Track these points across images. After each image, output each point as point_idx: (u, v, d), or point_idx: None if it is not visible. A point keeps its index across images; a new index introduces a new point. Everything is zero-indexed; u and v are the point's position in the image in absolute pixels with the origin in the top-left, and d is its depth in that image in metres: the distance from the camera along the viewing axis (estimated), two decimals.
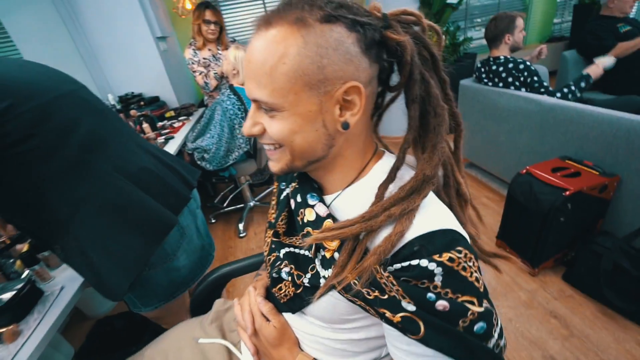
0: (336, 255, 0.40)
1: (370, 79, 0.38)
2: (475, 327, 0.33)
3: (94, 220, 0.65)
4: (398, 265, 0.35)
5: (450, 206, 0.42)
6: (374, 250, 0.35)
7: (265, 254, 0.54)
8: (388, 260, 0.35)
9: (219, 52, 2.04)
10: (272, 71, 0.34)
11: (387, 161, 0.44)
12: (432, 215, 0.37)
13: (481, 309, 0.34)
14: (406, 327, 0.34)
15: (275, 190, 0.58)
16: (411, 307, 0.34)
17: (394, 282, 0.35)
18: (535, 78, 1.65)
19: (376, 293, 0.36)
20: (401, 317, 0.34)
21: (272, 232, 0.52)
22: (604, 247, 1.20)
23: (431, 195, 0.40)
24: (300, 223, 0.45)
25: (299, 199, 0.46)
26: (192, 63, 2.07)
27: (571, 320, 1.18)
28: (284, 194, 0.51)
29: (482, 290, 0.34)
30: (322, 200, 0.44)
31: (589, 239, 1.25)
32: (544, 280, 1.36)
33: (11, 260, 0.87)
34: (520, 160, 1.74)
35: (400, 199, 0.36)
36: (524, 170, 1.40)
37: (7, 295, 0.72)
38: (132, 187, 0.70)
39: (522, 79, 1.68)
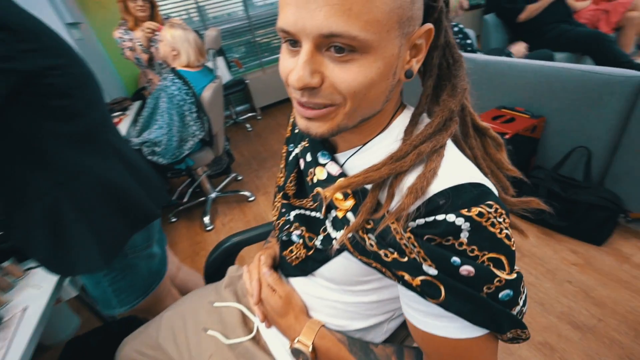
0: (349, 215, 0.37)
1: None
2: (501, 294, 0.31)
3: (88, 191, 0.66)
4: (421, 221, 0.31)
5: (476, 158, 0.39)
6: (410, 189, 0.31)
7: (275, 218, 0.53)
8: (410, 216, 0.31)
9: (156, 34, 1.85)
10: None
11: (409, 113, 0.40)
12: (458, 167, 0.34)
13: (511, 277, 0.31)
14: (425, 291, 0.32)
15: (283, 153, 0.56)
16: (432, 271, 0.31)
17: (415, 243, 0.31)
18: (469, 41, 1.81)
19: (395, 255, 0.33)
20: (421, 280, 0.31)
21: (281, 195, 0.51)
22: (538, 178, 1.40)
23: (453, 148, 0.37)
24: (310, 184, 0.43)
25: (308, 157, 0.44)
26: (123, 41, 1.84)
27: (520, 244, 1.38)
28: (293, 154, 0.50)
29: (512, 248, 0.31)
30: (334, 159, 0.41)
31: (527, 173, 1.45)
32: None
33: None
34: None
35: (429, 135, 0.33)
36: None
37: None
38: (126, 172, 0.73)
39: (458, 41, 1.83)
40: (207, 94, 1.60)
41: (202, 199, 2.09)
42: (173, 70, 1.54)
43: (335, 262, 0.42)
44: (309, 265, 0.46)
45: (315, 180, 0.42)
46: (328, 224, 0.41)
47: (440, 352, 0.36)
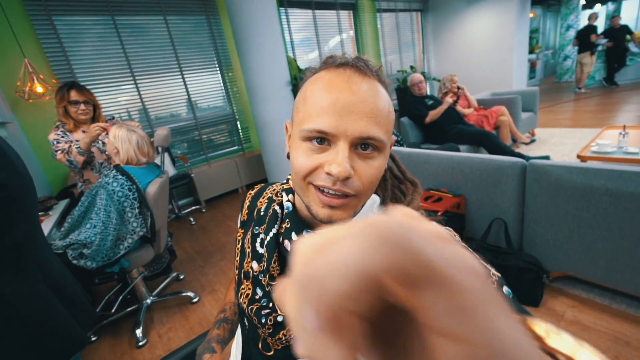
0: None
1: None
2: None
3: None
4: None
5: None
6: None
7: (244, 305, 0.50)
8: None
9: (105, 137, 1.83)
10: (389, 114, 0.39)
11: (375, 198, 0.49)
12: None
13: None
14: None
15: (239, 238, 0.56)
16: None
17: None
18: (399, 138, 2.19)
19: None
20: None
21: (249, 281, 0.50)
22: (472, 248, 1.57)
23: None
24: None
25: (294, 237, 0.46)
26: (58, 143, 1.74)
27: None
28: (269, 237, 0.49)
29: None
30: None
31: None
32: None
33: None
34: None
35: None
36: None
37: None
38: (50, 294, 0.62)
39: None
40: (152, 188, 1.56)
41: (134, 307, 1.79)
42: (117, 167, 1.50)
43: None
44: (286, 352, 0.44)
45: None
46: None
47: None
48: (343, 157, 0.36)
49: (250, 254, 0.51)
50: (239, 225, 0.59)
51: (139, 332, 1.62)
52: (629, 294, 1.35)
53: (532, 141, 3.51)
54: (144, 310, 1.74)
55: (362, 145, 0.38)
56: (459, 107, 3.30)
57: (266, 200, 0.56)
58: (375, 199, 0.49)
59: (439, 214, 1.57)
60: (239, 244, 0.57)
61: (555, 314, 1.37)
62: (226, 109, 4.02)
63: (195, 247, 2.61)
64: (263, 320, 0.46)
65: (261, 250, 0.49)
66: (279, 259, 0.47)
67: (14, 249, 0.56)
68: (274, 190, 0.58)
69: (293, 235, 0.46)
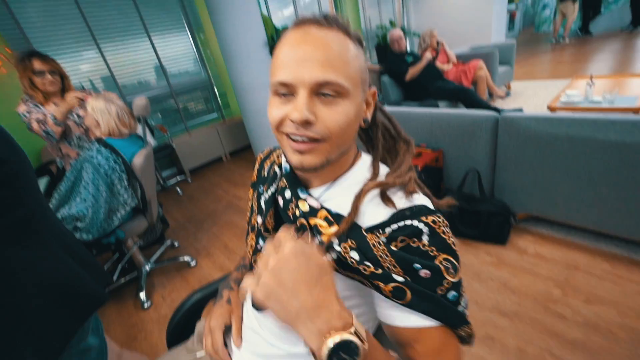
0: (334, 240, 0.43)
1: None
2: (449, 295, 0.41)
3: (28, 289, 0.57)
4: (395, 226, 0.42)
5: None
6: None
7: (250, 254, 0.57)
8: (386, 228, 0.43)
9: (78, 109, 1.75)
10: (350, 61, 0.41)
11: (367, 159, 0.53)
12: (417, 197, 0.47)
13: (455, 279, 0.41)
14: (395, 295, 0.40)
15: (250, 196, 0.62)
16: (400, 279, 0.40)
17: (387, 254, 0.41)
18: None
19: (371, 268, 0.41)
20: (392, 287, 0.40)
21: (255, 232, 0.56)
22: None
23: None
24: (292, 217, 0.49)
25: (287, 195, 0.50)
26: (30, 114, 1.66)
27: None
28: (268, 194, 0.54)
29: (457, 253, 0.42)
30: (310, 195, 0.49)
31: (440, 196, 1.75)
32: None
33: None
34: None
35: (402, 173, 0.48)
36: None
37: None
38: (68, 257, 0.66)
39: None
40: (138, 160, 1.56)
41: (134, 274, 1.87)
42: (99, 140, 1.48)
43: None
44: None
45: (298, 213, 0.47)
46: None
47: (412, 342, 0.42)
48: (301, 103, 0.40)
49: (256, 210, 0.58)
50: (251, 185, 0.65)
51: (142, 295, 1.72)
52: (581, 227, 1.54)
53: (508, 95, 3.61)
54: (144, 276, 1.82)
55: (323, 92, 0.40)
56: (438, 63, 3.30)
57: (271, 162, 0.62)
58: (366, 159, 0.52)
59: (419, 168, 1.67)
60: (250, 202, 0.63)
61: (519, 250, 1.56)
62: (201, 74, 3.84)
63: (185, 215, 2.66)
64: None
65: (263, 206, 0.55)
66: (275, 214, 0.53)
67: (27, 219, 0.59)
68: (278, 152, 0.63)
69: (287, 193, 0.50)
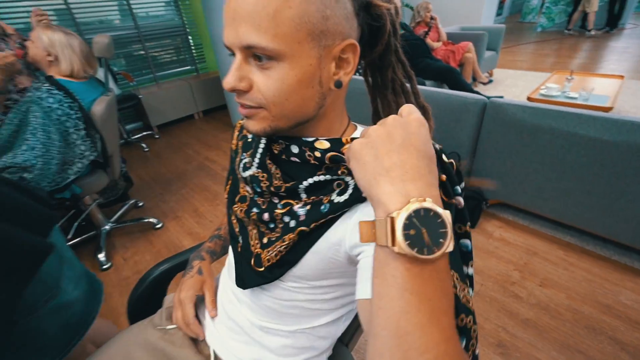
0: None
1: (358, 41, 0.38)
2: (461, 242, 0.40)
3: None
4: None
5: None
6: None
7: (241, 216, 0.49)
8: None
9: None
10: (277, 14, 0.32)
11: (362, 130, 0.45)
12: None
13: (468, 230, 0.41)
14: None
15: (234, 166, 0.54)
16: None
17: None
18: None
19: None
20: None
21: (245, 203, 0.49)
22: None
23: None
24: (317, 163, 0.43)
25: (294, 149, 0.43)
26: None
27: None
28: (257, 157, 0.48)
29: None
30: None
31: None
32: None
33: None
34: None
35: None
36: None
37: None
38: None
39: None
40: (98, 108, 1.38)
41: (92, 233, 1.74)
42: (49, 79, 1.27)
43: (306, 259, 0.43)
44: (275, 271, 0.45)
45: (319, 155, 0.40)
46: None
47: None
48: (232, 69, 0.36)
49: (242, 180, 0.51)
50: (230, 154, 0.57)
51: (101, 256, 1.61)
52: (545, 216, 1.63)
53: (490, 81, 3.65)
54: (103, 236, 1.70)
55: (256, 54, 0.34)
56: (428, 40, 3.22)
57: None
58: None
59: None
60: (231, 172, 0.56)
61: (486, 233, 1.63)
62: (174, 20, 3.45)
63: (151, 174, 2.49)
64: (272, 225, 0.45)
65: (248, 173, 0.48)
66: (282, 172, 0.44)
67: None
68: None
69: (292, 148, 0.42)
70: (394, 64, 0.44)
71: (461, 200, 0.39)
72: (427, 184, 0.27)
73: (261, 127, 0.38)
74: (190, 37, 3.58)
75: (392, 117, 0.31)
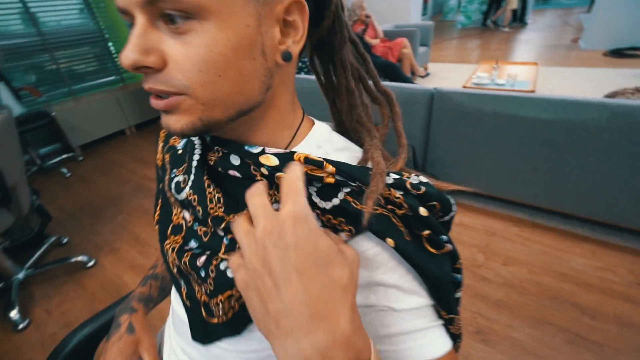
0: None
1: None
2: (455, 276, 0.35)
3: None
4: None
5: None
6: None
7: (174, 260, 0.36)
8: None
9: None
10: None
11: (324, 128, 0.37)
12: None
13: (459, 266, 0.35)
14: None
15: (160, 186, 0.40)
16: None
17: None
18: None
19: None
20: None
21: (180, 235, 0.36)
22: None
23: None
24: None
25: (235, 161, 0.32)
26: None
27: None
28: (192, 174, 0.35)
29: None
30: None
31: None
32: None
33: None
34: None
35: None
36: None
37: None
38: None
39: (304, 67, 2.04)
40: None
41: (0, 285, 1.40)
42: None
43: None
44: (238, 324, 0.33)
45: (266, 172, 0.30)
46: None
47: None
48: (130, 39, 0.24)
49: (177, 204, 0.37)
50: (156, 171, 0.42)
51: (13, 314, 1.29)
52: (499, 197, 1.71)
53: (427, 74, 3.86)
54: (15, 288, 1.37)
55: (167, 16, 0.23)
56: (367, 37, 3.28)
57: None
58: (320, 130, 0.36)
59: None
60: (159, 195, 0.42)
61: None
62: (89, 25, 3.03)
63: (76, 203, 2.13)
64: (203, 274, 0.33)
65: (183, 196, 0.35)
66: (223, 194, 0.32)
67: None
68: None
69: (232, 159, 0.32)
70: (347, 43, 0.35)
71: (450, 246, 0.32)
72: (331, 331, 0.20)
73: (187, 123, 0.26)
74: (110, 44, 3.18)
75: (262, 224, 0.22)
